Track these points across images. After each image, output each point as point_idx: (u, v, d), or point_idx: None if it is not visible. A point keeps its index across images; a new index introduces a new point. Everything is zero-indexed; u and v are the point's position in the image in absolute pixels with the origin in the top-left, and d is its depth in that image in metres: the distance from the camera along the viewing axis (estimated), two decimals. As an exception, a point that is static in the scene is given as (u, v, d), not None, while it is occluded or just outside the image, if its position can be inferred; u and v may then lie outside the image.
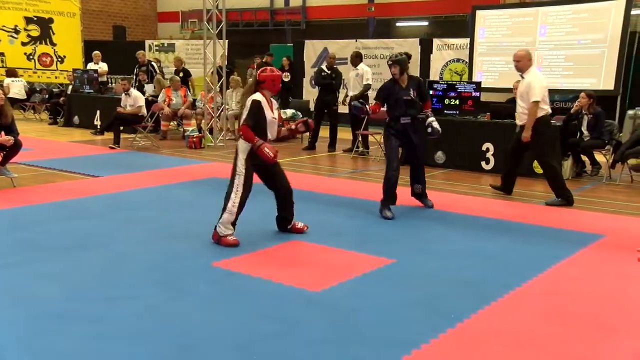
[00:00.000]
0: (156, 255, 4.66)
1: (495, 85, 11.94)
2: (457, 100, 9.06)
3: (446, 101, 9.09)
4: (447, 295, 3.93)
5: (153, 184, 7.51)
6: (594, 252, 4.95)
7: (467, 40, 12.96)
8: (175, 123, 12.65)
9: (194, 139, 10.89)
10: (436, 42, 13.80)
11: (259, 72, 5.12)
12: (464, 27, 14.45)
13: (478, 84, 9.39)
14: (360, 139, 10.22)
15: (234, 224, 4.92)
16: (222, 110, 11.57)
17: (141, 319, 3.48)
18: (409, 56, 6.33)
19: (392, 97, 6.12)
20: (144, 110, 10.98)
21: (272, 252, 4.83)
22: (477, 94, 9.02)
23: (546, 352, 3.13)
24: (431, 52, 13.53)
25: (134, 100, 10.80)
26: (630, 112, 10.59)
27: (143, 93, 11.82)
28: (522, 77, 6.73)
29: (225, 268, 4.38)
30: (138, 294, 3.85)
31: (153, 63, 13.70)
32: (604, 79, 11.12)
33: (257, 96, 4.91)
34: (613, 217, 5.84)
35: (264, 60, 14.87)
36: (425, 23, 18.15)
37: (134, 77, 13.07)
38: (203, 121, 11.77)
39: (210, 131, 11.44)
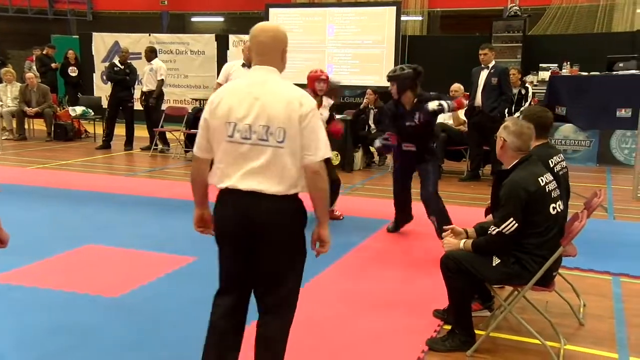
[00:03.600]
0: None
1: (293, 81, 12.37)
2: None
3: (244, 97, 9.15)
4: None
5: None
6: (382, 236, 5.37)
7: (263, 37, 13.24)
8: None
9: (-39, 141, 9.59)
10: (232, 38, 13.84)
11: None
12: (259, 24, 14.70)
13: (275, 79, 9.62)
14: (157, 136, 9.88)
15: None
16: (-4, 108, 10.35)
17: None
18: (417, 72, 5.05)
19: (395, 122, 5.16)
20: None
21: (62, 260, 4.43)
22: (274, 89, 9.24)
23: (338, 330, 3.35)
24: (228, 49, 13.54)
25: None
26: None
27: None
28: None
29: (3, 282, 3.91)
30: None
31: None
32: (385, 77, 12.21)
33: None
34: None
35: (44, 52, 13.66)
36: (221, 19, 18.13)
37: None
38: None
39: (-17, 131, 10.17)
